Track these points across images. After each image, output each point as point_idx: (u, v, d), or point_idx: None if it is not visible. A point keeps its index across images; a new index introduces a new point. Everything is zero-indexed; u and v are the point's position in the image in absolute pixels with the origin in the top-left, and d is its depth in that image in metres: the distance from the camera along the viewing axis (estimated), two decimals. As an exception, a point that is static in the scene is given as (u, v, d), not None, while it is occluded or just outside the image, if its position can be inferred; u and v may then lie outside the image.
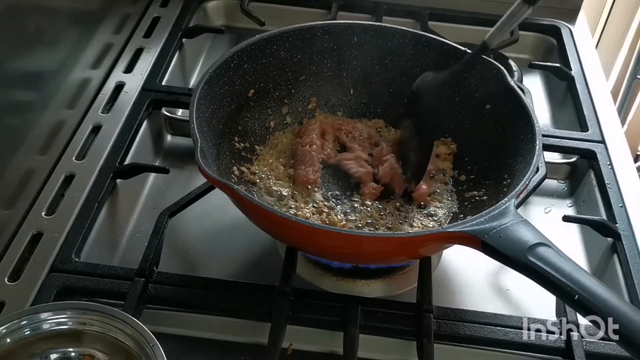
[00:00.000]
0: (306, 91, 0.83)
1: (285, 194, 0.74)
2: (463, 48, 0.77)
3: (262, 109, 0.80)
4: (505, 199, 0.60)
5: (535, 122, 0.69)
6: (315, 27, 0.81)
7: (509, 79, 0.74)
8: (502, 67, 0.75)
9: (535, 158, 0.65)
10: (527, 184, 0.63)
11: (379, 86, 0.83)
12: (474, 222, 0.58)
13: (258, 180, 0.75)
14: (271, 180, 0.75)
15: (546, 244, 0.54)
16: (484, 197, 0.72)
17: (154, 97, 0.87)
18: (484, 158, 0.75)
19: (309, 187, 0.74)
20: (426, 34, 0.83)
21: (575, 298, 0.50)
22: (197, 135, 0.63)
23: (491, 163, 0.74)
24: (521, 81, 0.96)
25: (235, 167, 0.74)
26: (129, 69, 0.93)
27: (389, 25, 0.83)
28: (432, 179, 0.77)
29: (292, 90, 0.82)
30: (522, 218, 0.58)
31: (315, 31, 0.81)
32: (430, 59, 0.79)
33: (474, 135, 0.77)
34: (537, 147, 0.66)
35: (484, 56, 0.76)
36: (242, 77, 0.76)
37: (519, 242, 0.55)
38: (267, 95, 0.80)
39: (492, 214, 0.58)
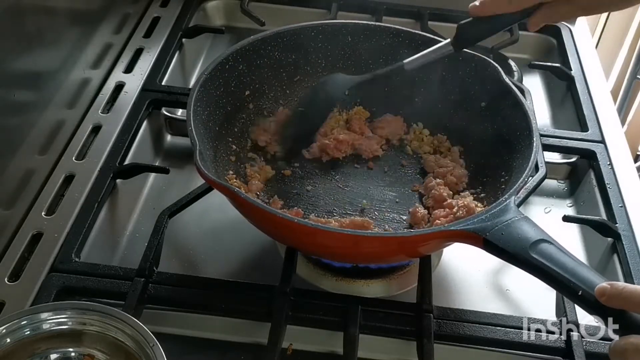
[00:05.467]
0: (301, 91, 0.83)
1: None
2: None
3: (258, 110, 0.80)
4: (505, 195, 0.60)
5: (531, 118, 0.69)
6: (309, 27, 0.81)
7: (504, 76, 0.74)
8: (497, 65, 0.75)
9: (533, 154, 0.65)
10: (526, 181, 0.63)
11: (373, 86, 0.83)
12: (475, 220, 0.58)
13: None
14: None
15: (548, 240, 0.54)
16: (482, 195, 0.72)
17: (154, 97, 0.87)
18: (481, 155, 0.75)
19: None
20: (420, 32, 0.83)
21: (579, 293, 0.51)
22: (196, 138, 0.63)
23: (488, 160, 0.74)
24: (521, 81, 0.96)
25: (231, 170, 0.74)
26: (129, 69, 0.93)
27: (382, 24, 0.84)
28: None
29: (287, 91, 0.82)
30: (523, 215, 0.58)
31: (309, 31, 0.81)
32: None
33: (469, 133, 0.78)
34: (534, 143, 0.66)
35: (484, 56, 0.76)
36: (237, 78, 0.76)
37: (521, 239, 0.55)
38: (262, 96, 0.80)
39: (492, 211, 0.58)
